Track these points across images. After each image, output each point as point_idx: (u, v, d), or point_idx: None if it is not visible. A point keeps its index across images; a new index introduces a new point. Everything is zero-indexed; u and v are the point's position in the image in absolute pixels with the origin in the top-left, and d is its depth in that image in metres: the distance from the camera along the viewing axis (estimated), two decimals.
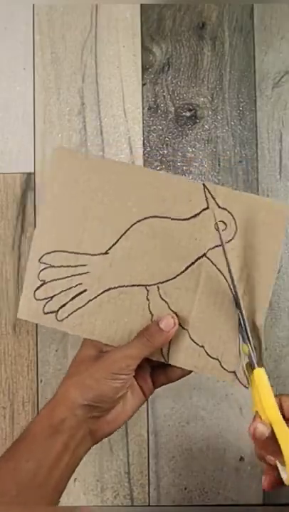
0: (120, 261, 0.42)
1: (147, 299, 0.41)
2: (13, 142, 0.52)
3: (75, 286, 0.42)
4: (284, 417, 0.36)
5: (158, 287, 0.41)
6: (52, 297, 0.42)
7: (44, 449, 0.36)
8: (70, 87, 0.53)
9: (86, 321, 0.41)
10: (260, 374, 0.37)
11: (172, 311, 0.41)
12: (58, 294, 0.42)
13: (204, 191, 0.40)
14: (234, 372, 0.40)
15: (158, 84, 0.52)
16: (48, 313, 0.42)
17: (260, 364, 0.38)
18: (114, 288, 0.42)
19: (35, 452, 0.36)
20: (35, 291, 0.42)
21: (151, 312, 0.41)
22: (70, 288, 0.42)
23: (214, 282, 0.40)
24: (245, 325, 0.38)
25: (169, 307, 0.41)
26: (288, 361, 0.51)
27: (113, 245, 0.42)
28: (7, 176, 0.52)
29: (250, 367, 0.38)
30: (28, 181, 0.52)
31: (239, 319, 0.39)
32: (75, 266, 0.42)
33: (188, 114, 0.52)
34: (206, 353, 0.40)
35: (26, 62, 0.53)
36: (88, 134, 0.52)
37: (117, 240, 0.42)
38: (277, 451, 0.34)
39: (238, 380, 0.40)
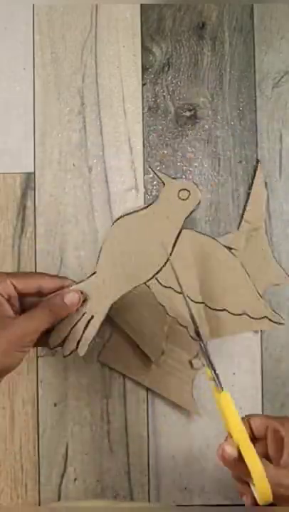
0: (110, 272, 0.43)
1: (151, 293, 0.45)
2: (13, 142, 0.52)
3: (81, 318, 0.43)
4: (254, 437, 0.37)
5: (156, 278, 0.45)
6: (64, 341, 0.43)
7: None
8: (70, 87, 0.53)
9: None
10: (226, 397, 0.37)
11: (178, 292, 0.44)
12: (68, 335, 0.43)
13: None
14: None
15: (158, 84, 0.52)
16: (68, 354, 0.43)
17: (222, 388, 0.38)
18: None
19: None
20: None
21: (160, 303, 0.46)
22: (76, 323, 0.43)
23: None
24: (206, 351, 0.39)
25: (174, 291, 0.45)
26: (288, 361, 0.51)
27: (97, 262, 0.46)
28: (7, 175, 0.52)
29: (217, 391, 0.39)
30: (28, 181, 0.52)
31: (201, 346, 0.40)
32: None
33: (188, 114, 0.52)
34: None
35: (26, 62, 0.53)
36: (88, 134, 0.52)
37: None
38: (248, 472, 0.34)
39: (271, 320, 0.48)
